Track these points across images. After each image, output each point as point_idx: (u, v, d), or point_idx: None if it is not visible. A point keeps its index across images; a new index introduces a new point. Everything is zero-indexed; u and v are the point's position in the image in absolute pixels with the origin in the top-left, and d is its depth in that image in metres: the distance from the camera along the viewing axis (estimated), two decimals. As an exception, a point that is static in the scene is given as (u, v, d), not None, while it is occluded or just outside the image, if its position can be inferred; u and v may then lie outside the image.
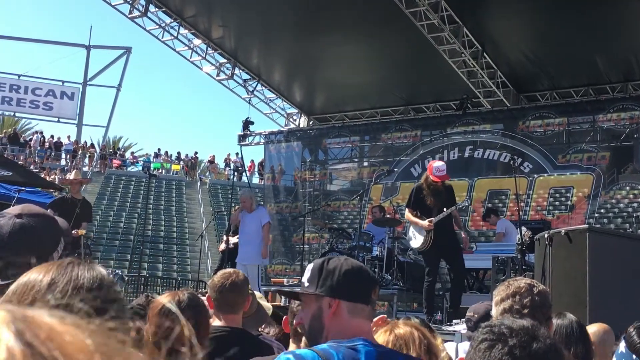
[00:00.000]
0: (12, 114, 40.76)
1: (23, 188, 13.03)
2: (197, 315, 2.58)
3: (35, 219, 1.80)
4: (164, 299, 2.62)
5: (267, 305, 4.39)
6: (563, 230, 6.04)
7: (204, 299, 3.53)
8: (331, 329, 2.08)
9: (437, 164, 8.60)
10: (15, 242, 1.72)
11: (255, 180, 30.91)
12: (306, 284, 2.12)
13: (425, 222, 8.37)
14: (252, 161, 31.82)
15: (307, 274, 2.15)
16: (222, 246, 11.53)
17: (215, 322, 3.21)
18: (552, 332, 3.32)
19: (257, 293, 4.28)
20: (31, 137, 36.16)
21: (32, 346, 0.47)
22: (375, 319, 2.53)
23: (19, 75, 40.36)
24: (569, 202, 14.08)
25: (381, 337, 2.35)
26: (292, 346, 2.82)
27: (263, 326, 4.73)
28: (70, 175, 10.85)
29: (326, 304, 2.07)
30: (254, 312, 3.85)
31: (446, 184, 8.59)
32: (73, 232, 9.20)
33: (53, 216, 1.96)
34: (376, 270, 10.08)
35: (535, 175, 14.43)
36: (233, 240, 11.26)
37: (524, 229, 8.63)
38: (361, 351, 1.97)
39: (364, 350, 1.98)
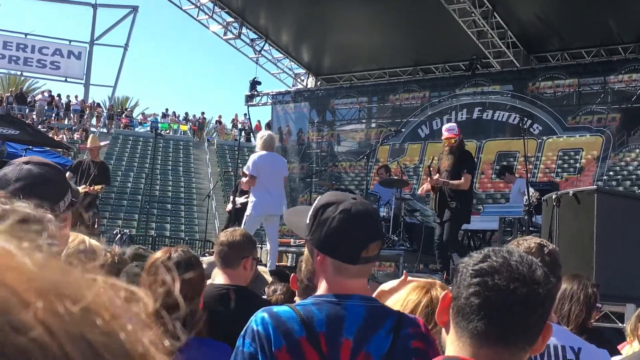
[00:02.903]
0: (19, 73, 40.66)
1: (31, 147, 13.08)
2: (190, 271, 2.57)
3: (43, 167, 1.79)
4: (158, 255, 2.63)
5: (268, 278, 4.43)
6: (571, 192, 6.00)
7: (208, 257, 3.53)
8: (319, 277, 1.99)
9: (446, 125, 8.65)
10: (22, 187, 1.71)
11: (263, 141, 30.84)
12: (307, 221, 2.00)
13: (424, 185, 8.47)
14: (258, 121, 31.72)
15: (312, 208, 2.03)
16: (229, 206, 11.56)
17: (218, 278, 3.23)
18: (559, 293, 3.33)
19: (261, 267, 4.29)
20: (39, 94, 36.19)
21: None
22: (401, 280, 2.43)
23: (26, 34, 40.15)
24: (577, 164, 14.00)
25: (414, 295, 2.25)
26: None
27: (267, 287, 4.75)
28: (87, 143, 11.15)
29: (315, 252, 1.98)
30: (252, 280, 3.87)
31: (461, 147, 8.53)
32: (89, 188, 9.78)
33: (60, 168, 1.95)
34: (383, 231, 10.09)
35: (545, 137, 14.32)
36: (240, 200, 11.28)
37: (531, 190, 8.60)
38: (347, 307, 1.89)
39: (351, 306, 1.90)
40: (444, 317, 1.47)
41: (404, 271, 2.44)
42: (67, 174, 10.37)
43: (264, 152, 8.37)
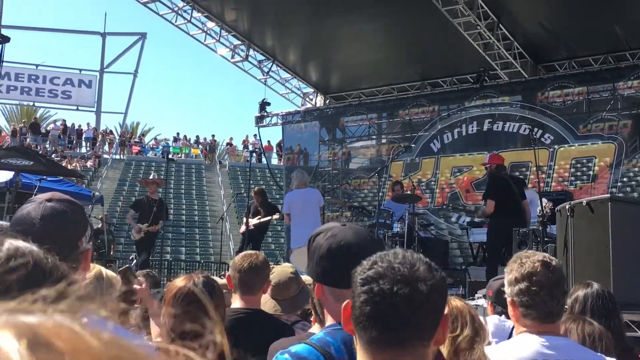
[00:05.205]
0: (32, 103, 41.08)
1: (45, 177, 13.16)
2: (213, 298, 2.58)
3: (66, 204, 1.80)
4: (180, 283, 2.60)
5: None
6: (584, 201, 5.97)
7: (224, 280, 3.54)
8: (325, 308, 2.00)
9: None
10: (46, 225, 1.73)
11: (274, 161, 30.98)
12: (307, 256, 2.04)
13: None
14: (268, 142, 31.86)
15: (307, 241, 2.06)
16: (243, 228, 11.60)
17: (235, 303, 3.23)
18: (572, 302, 3.31)
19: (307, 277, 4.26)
20: (51, 124, 36.56)
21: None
22: None
23: (37, 65, 40.63)
24: (591, 172, 13.93)
25: None
26: (315, 326, 2.80)
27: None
28: (150, 176, 12.30)
29: (314, 282, 2.00)
30: (295, 294, 3.84)
31: (490, 175, 9.50)
32: (150, 227, 11.17)
33: (80, 204, 1.97)
34: (397, 246, 10.06)
35: (556, 146, 14.27)
36: (253, 221, 11.31)
37: (544, 200, 8.58)
38: None
39: None
40: (350, 325, 1.49)
41: None
42: (130, 211, 12.15)
43: (296, 190, 9.39)
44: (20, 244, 1.23)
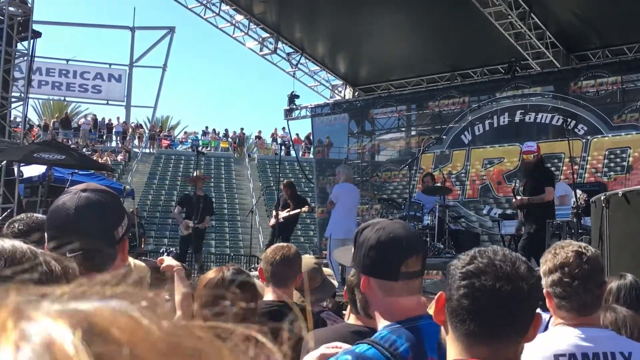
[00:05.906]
0: (62, 98, 41.56)
1: (76, 171, 13.33)
2: (244, 290, 2.56)
3: (100, 194, 1.80)
4: (211, 275, 2.61)
5: (334, 283, 4.35)
6: (620, 192, 5.85)
7: (255, 273, 3.53)
8: (372, 303, 1.99)
9: (527, 142, 9.62)
10: (81, 216, 1.72)
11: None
12: (353, 250, 2.03)
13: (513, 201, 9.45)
14: (297, 135, 31.82)
15: (353, 235, 2.07)
16: (272, 221, 11.61)
17: (268, 295, 3.22)
18: (606, 294, 3.23)
19: (326, 269, 4.24)
20: (81, 119, 37.01)
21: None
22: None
23: (68, 60, 41.06)
24: (625, 163, 13.69)
25: None
26: (351, 317, 2.78)
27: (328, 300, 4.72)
28: (195, 174, 12.51)
29: (360, 276, 1.99)
30: (319, 285, 3.84)
31: (539, 164, 9.04)
32: (199, 224, 11.22)
33: (116, 194, 1.96)
34: (428, 239, 10.00)
35: (590, 137, 14.04)
36: (282, 214, 11.31)
37: (579, 191, 8.45)
38: (421, 327, 1.88)
39: (424, 325, 1.88)
40: (441, 316, 1.55)
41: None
42: (177, 208, 12.26)
43: (345, 183, 9.58)
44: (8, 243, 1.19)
